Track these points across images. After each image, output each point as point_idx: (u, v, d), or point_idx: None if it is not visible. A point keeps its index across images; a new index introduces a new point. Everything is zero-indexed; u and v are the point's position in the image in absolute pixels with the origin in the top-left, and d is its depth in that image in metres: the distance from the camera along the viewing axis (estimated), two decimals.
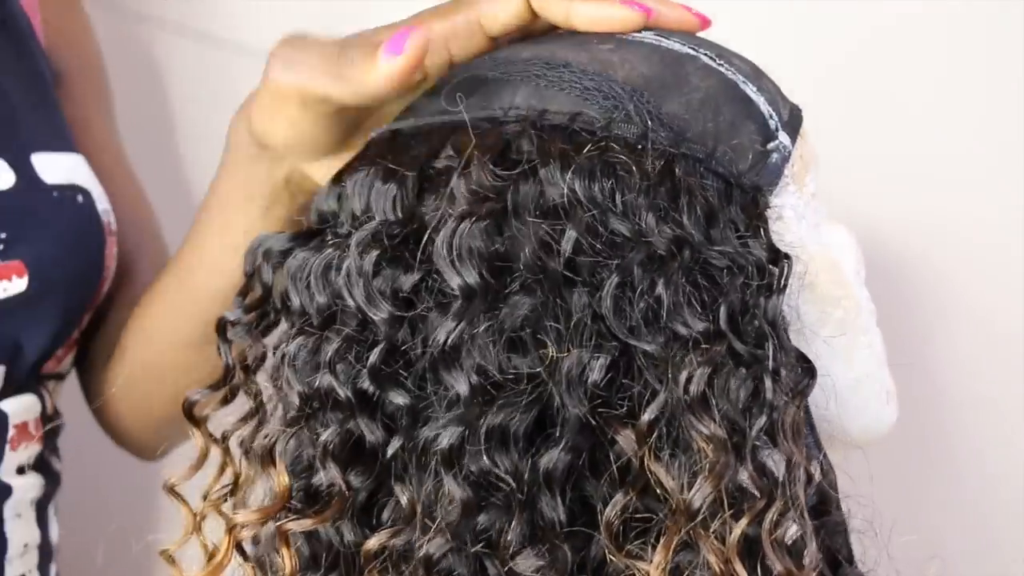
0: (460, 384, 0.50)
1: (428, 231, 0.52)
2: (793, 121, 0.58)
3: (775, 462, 0.51)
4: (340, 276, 0.53)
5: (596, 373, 0.50)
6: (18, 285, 0.75)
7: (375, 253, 0.52)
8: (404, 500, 0.52)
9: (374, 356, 0.52)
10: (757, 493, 0.50)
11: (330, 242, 0.55)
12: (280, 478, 0.54)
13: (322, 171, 0.64)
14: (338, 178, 0.57)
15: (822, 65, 0.92)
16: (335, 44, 0.60)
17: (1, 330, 0.75)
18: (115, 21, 0.98)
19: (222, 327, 0.58)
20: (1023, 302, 0.92)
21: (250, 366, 0.58)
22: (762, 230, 0.53)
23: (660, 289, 0.50)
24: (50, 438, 0.82)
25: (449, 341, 0.50)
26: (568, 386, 0.50)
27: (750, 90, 0.57)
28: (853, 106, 0.92)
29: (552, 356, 0.50)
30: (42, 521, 0.81)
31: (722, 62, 0.58)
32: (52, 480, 0.83)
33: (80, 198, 0.80)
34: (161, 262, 0.84)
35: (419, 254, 0.52)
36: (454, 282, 0.50)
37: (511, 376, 0.50)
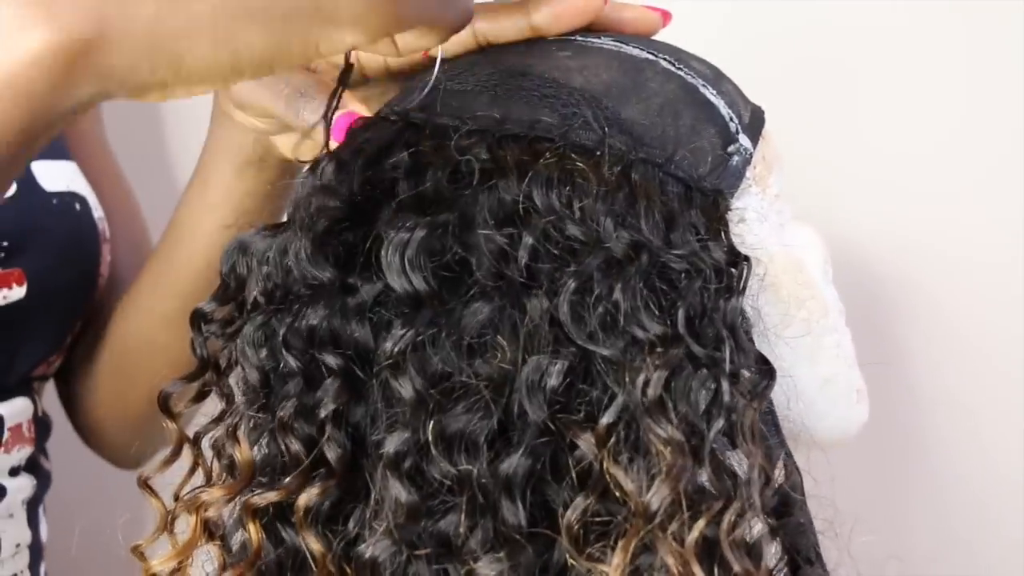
0: (405, 389, 0.51)
1: (373, 235, 0.52)
2: (755, 123, 0.58)
3: (737, 464, 0.51)
4: (289, 255, 0.53)
5: (555, 378, 0.50)
6: (17, 293, 0.76)
7: (320, 231, 0.53)
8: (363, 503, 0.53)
9: (315, 321, 0.53)
10: (715, 494, 0.50)
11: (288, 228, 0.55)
12: (243, 454, 0.54)
13: (287, 143, 0.65)
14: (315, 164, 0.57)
15: (794, 63, 0.92)
16: (298, 73, 0.60)
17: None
18: None
19: (196, 319, 0.58)
20: (995, 301, 0.91)
21: (221, 366, 0.58)
22: (722, 233, 0.53)
23: (617, 294, 0.50)
24: (40, 439, 0.83)
25: (396, 348, 0.51)
26: (528, 391, 0.50)
27: (710, 93, 0.57)
28: (824, 105, 0.92)
29: (510, 362, 0.50)
30: (32, 521, 0.82)
31: (681, 66, 0.57)
32: (43, 480, 0.84)
33: (78, 205, 0.81)
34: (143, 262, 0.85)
35: (369, 257, 0.52)
36: (400, 288, 0.51)
37: (467, 381, 0.50)
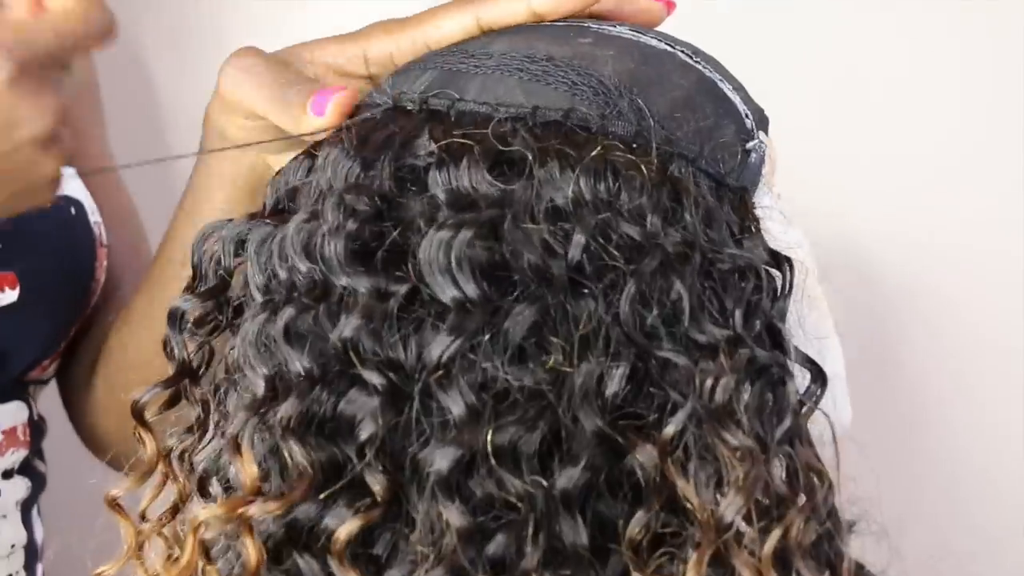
0: (456, 404, 0.46)
1: (409, 233, 0.49)
2: (763, 121, 0.57)
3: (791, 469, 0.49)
4: (316, 243, 0.49)
5: (614, 384, 0.47)
6: (9, 296, 0.76)
7: (353, 224, 0.49)
8: (403, 529, 0.48)
9: (348, 331, 0.48)
10: (789, 502, 0.48)
11: (300, 214, 0.51)
12: (248, 467, 0.49)
13: (283, 163, 0.64)
14: (309, 152, 0.55)
15: (792, 63, 0.92)
16: (288, 70, 0.60)
17: None
18: None
19: (174, 317, 0.54)
20: (995, 301, 0.92)
21: (196, 370, 0.55)
22: (756, 230, 0.52)
23: (678, 295, 0.48)
24: (35, 442, 0.83)
25: (444, 357, 0.46)
26: (583, 399, 0.46)
27: (727, 88, 0.56)
28: (823, 104, 0.92)
29: (562, 368, 0.47)
30: (27, 522, 0.82)
31: (698, 59, 0.56)
32: (37, 482, 0.84)
33: (73, 210, 0.81)
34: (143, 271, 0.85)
35: (404, 259, 0.48)
36: (447, 294, 0.47)
37: (516, 392, 0.47)
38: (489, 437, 0.46)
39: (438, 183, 0.49)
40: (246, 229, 0.53)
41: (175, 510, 0.55)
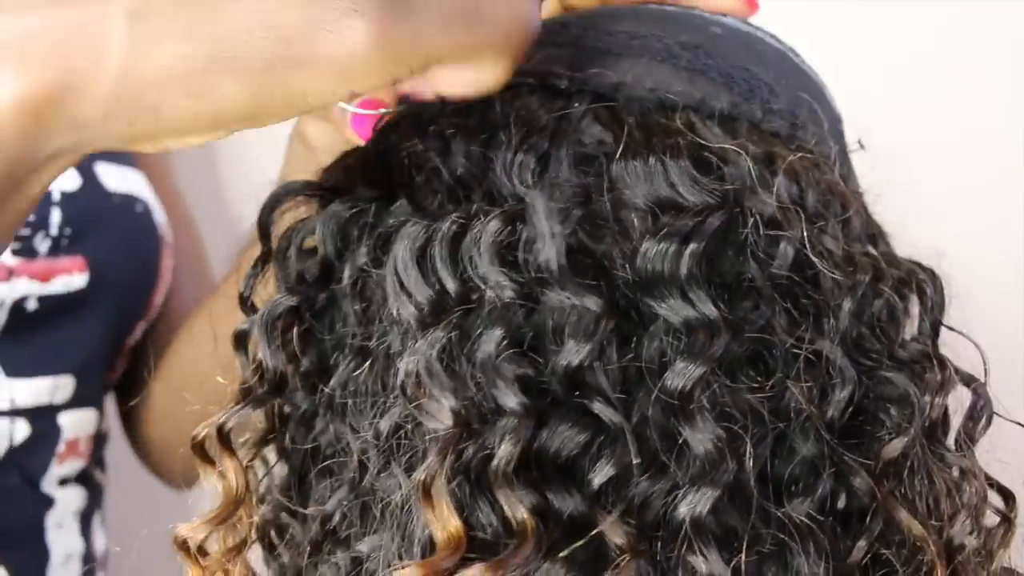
0: (703, 440, 0.40)
1: (610, 239, 0.42)
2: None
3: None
4: (519, 250, 0.41)
5: (840, 406, 0.43)
6: (79, 281, 0.77)
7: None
8: None
9: (576, 357, 0.41)
10: (1003, 518, 0.47)
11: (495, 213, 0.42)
12: (449, 519, 0.40)
13: None
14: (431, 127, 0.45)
15: None
16: None
17: (64, 332, 0.77)
18: None
19: (269, 320, 0.45)
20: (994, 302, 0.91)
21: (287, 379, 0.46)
22: (884, 237, 0.49)
23: (884, 310, 0.44)
24: (95, 451, 0.84)
25: (687, 386, 0.40)
26: (800, 423, 0.42)
27: (826, 91, 0.51)
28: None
29: (770, 390, 0.42)
30: (86, 532, 0.82)
31: (800, 60, 0.51)
32: (95, 492, 0.84)
33: (139, 207, 0.82)
34: (205, 285, 0.86)
35: (607, 270, 0.42)
36: (680, 315, 0.41)
37: (744, 418, 0.41)
38: (738, 470, 0.40)
39: (629, 180, 0.43)
40: (349, 211, 0.45)
41: (239, 548, 0.48)
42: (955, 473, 0.44)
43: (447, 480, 0.39)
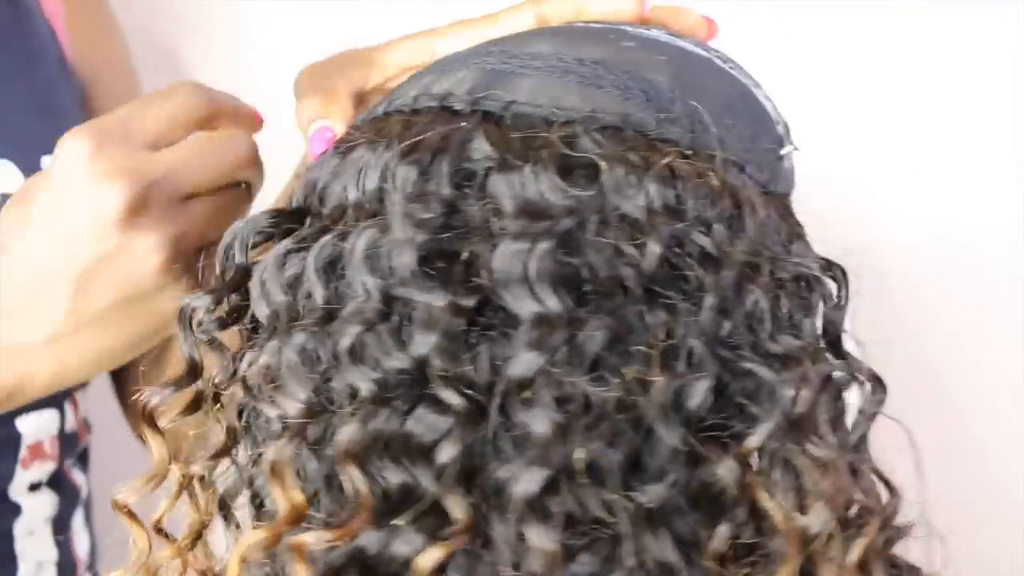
0: (540, 421, 0.44)
1: (475, 243, 0.47)
2: (788, 129, 0.55)
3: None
4: (382, 256, 0.47)
5: (696, 398, 0.45)
6: None
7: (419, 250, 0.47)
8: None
9: (423, 348, 0.46)
10: (871, 510, 0.48)
11: (364, 225, 0.48)
12: (290, 494, 0.47)
13: None
14: (339, 148, 0.52)
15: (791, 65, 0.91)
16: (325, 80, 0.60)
17: None
18: (144, 23, 0.97)
19: (184, 314, 0.52)
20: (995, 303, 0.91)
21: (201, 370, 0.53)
22: (803, 237, 0.52)
23: (755, 305, 0.47)
24: (65, 452, 0.81)
25: (528, 373, 0.45)
26: (662, 413, 0.45)
27: (760, 95, 0.54)
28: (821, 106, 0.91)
29: (645, 378, 0.45)
30: (60, 539, 0.81)
31: (731, 65, 0.54)
32: (69, 495, 0.82)
33: None
34: None
35: (471, 270, 0.46)
36: (527, 309, 0.45)
37: (597, 407, 0.45)
38: (575, 454, 0.45)
39: (502, 189, 0.47)
40: (267, 224, 0.52)
41: (196, 536, 0.53)
42: (820, 466, 0.46)
43: (293, 458, 0.47)
